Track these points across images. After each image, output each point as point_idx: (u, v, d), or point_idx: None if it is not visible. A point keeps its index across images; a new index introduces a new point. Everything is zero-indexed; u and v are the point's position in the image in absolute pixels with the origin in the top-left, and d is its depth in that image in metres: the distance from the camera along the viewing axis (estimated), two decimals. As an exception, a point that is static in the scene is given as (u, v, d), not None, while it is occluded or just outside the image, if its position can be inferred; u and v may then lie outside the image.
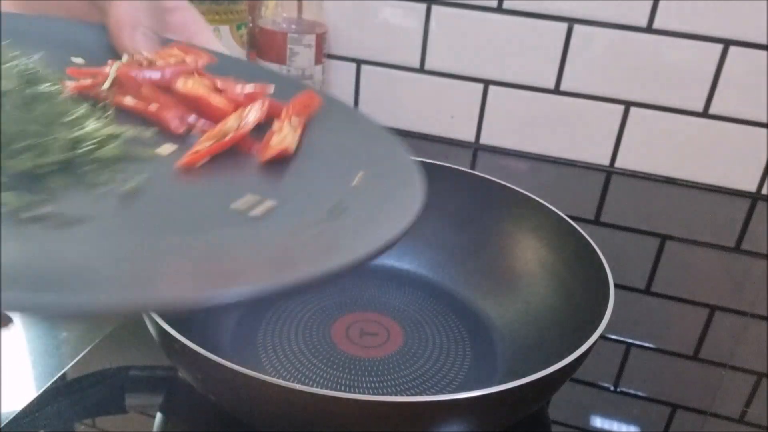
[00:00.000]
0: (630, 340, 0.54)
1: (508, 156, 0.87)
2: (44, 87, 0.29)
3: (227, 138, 0.30)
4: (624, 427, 0.45)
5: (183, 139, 0.31)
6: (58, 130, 0.26)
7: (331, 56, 0.88)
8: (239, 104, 0.33)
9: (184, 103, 0.33)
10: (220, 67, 0.36)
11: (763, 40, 0.75)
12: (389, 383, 0.44)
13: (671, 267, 0.66)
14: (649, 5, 0.76)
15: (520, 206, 0.54)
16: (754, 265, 0.69)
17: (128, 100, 0.32)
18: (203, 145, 0.30)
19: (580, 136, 0.85)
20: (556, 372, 0.36)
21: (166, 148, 0.30)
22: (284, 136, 0.32)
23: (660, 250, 0.69)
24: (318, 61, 0.82)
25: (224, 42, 0.75)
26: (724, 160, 0.81)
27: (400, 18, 0.84)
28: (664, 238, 0.71)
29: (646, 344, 0.54)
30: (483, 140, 0.88)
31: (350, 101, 0.90)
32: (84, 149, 0.27)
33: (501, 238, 0.54)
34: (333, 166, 0.31)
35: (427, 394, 0.43)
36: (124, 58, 0.35)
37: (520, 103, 0.85)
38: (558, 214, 0.51)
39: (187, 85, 0.33)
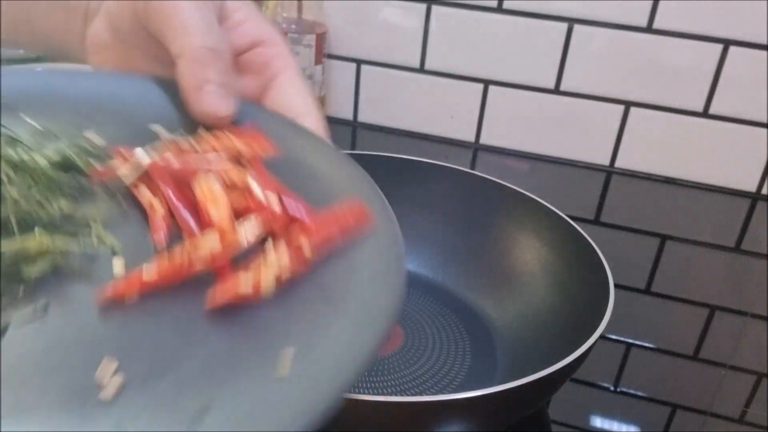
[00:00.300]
0: (630, 340, 0.54)
1: (508, 156, 0.87)
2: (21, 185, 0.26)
3: (180, 268, 0.24)
4: (624, 427, 0.45)
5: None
6: None
7: (331, 56, 0.88)
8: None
9: (196, 207, 0.27)
10: (290, 144, 0.31)
11: (763, 40, 0.75)
12: (389, 383, 0.44)
13: (671, 267, 0.66)
14: (649, 5, 0.76)
15: (521, 206, 0.54)
16: (754, 265, 0.69)
17: (142, 193, 0.28)
18: (147, 272, 0.24)
19: (580, 136, 0.85)
20: (556, 372, 0.36)
21: (119, 265, 0.25)
22: (262, 269, 0.25)
23: (660, 250, 0.69)
24: (318, 61, 0.82)
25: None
26: (724, 160, 0.81)
27: (400, 18, 0.84)
28: (664, 238, 0.71)
29: (646, 344, 0.54)
30: (483, 140, 0.88)
31: (350, 101, 0.91)
32: None
33: (501, 238, 0.54)
34: (283, 330, 0.24)
35: (427, 394, 0.43)
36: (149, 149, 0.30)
37: (520, 103, 0.85)
38: (558, 214, 0.51)
39: (201, 186, 0.27)
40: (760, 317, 0.59)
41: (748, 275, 0.67)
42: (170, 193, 0.27)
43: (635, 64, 0.79)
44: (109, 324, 0.23)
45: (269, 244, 0.26)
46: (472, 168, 0.82)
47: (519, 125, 0.86)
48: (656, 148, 0.83)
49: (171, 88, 0.33)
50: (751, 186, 0.82)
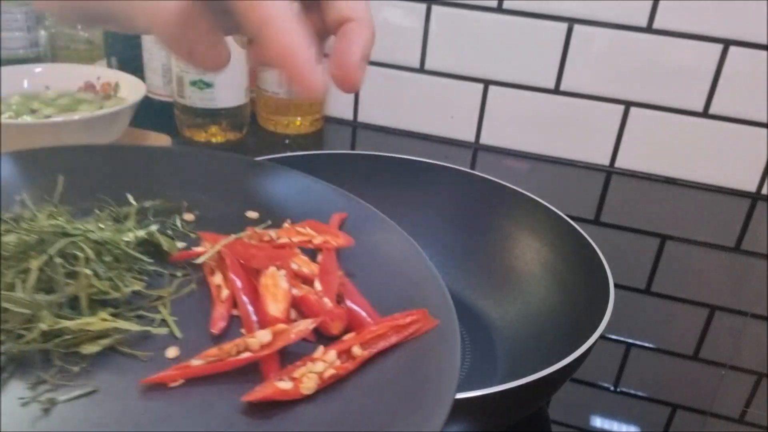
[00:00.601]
0: (630, 340, 0.54)
1: (508, 156, 0.87)
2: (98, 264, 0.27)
3: (228, 358, 0.25)
4: (624, 427, 0.45)
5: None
6: (45, 318, 0.25)
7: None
8: (316, 317, 0.27)
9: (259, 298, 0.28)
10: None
11: (763, 40, 0.75)
12: (389, 383, 0.44)
13: (671, 267, 0.66)
14: (649, 5, 0.76)
15: (520, 206, 0.54)
16: (754, 265, 0.69)
17: (215, 277, 0.29)
18: (195, 361, 0.25)
19: (580, 136, 0.85)
20: (556, 372, 0.36)
21: (172, 352, 0.26)
22: (305, 366, 0.25)
23: (660, 250, 0.69)
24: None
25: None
26: (724, 160, 0.81)
27: (400, 18, 0.84)
28: (664, 238, 0.71)
29: (646, 344, 0.54)
30: (483, 140, 0.88)
31: (350, 101, 0.91)
32: (57, 342, 0.25)
33: (501, 238, 0.54)
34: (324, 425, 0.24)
35: (427, 394, 0.43)
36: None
37: (520, 103, 0.85)
38: (558, 214, 0.51)
39: (266, 280, 0.28)
40: (760, 317, 0.59)
41: (748, 275, 0.67)
42: (237, 283, 0.29)
43: (635, 64, 0.79)
44: (149, 408, 0.24)
45: (319, 347, 0.26)
46: (472, 168, 0.82)
47: (519, 125, 0.86)
48: (656, 148, 0.83)
49: (273, 173, 0.35)
50: (751, 186, 0.82)
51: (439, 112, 0.88)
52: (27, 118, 0.63)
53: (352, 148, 0.88)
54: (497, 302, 0.52)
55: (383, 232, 0.33)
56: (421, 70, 0.86)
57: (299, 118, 0.84)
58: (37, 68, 0.72)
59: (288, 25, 0.28)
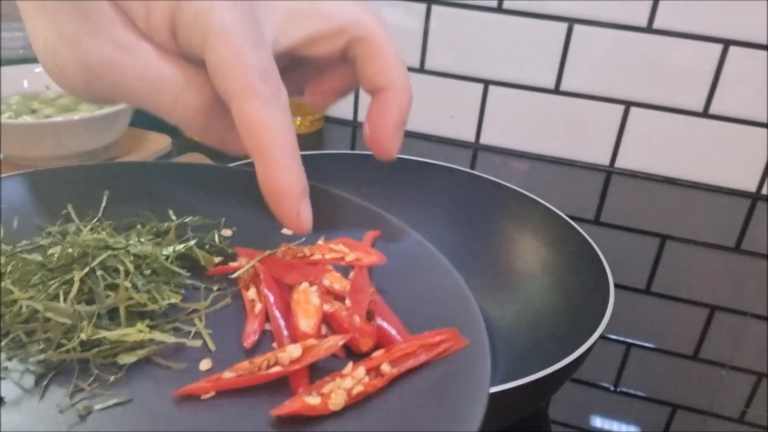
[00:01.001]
0: (630, 340, 0.54)
1: (508, 156, 0.87)
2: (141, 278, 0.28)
3: (259, 373, 0.26)
4: (624, 427, 0.45)
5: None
6: (85, 328, 0.26)
7: (331, 56, 0.88)
8: (346, 333, 0.28)
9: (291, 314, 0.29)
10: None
11: (763, 40, 0.75)
12: (389, 383, 0.44)
13: (671, 267, 0.66)
14: (649, 5, 0.76)
15: (520, 206, 0.54)
16: (754, 265, 0.69)
17: (249, 293, 0.30)
18: (226, 374, 0.26)
19: (580, 136, 0.85)
20: (556, 372, 0.36)
21: (205, 364, 0.27)
22: (334, 382, 0.25)
23: (660, 250, 0.69)
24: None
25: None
26: (724, 160, 0.81)
27: (400, 18, 0.84)
28: (664, 238, 0.71)
29: (646, 344, 0.54)
30: (483, 140, 0.88)
31: (350, 101, 0.91)
32: (95, 352, 0.26)
33: (501, 238, 0.54)
34: None
35: (427, 394, 0.43)
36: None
37: (520, 103, 0.85)
38: (558, 214, 0.51)
39: (298, 295, 0.29)
40: (760, 317, 0.59)
41: (748, 275, 0.67)
42: (270, 298, 0.29)
43: (635, 64, 0.79)
44: (181, 419, 0.24)
45: (349, 363, 0.26)
46: (472, 168, 0.82)
47: (519, 125, 0.86)
48: (656, 148, 0.83)
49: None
50: (751, 186, 0.82)
51: (439, 112, 0.88)
52: (27, 118, 0.63)
53: (352, 148, 0.88)
54: (497, 302, 0.52)
55: (415, 249, 0.34)
56: (421, 70, 0.86)
57: (299, 118, 0.84)
58: (37, 68, 0.72)
59: (281, 162, 0.29)
